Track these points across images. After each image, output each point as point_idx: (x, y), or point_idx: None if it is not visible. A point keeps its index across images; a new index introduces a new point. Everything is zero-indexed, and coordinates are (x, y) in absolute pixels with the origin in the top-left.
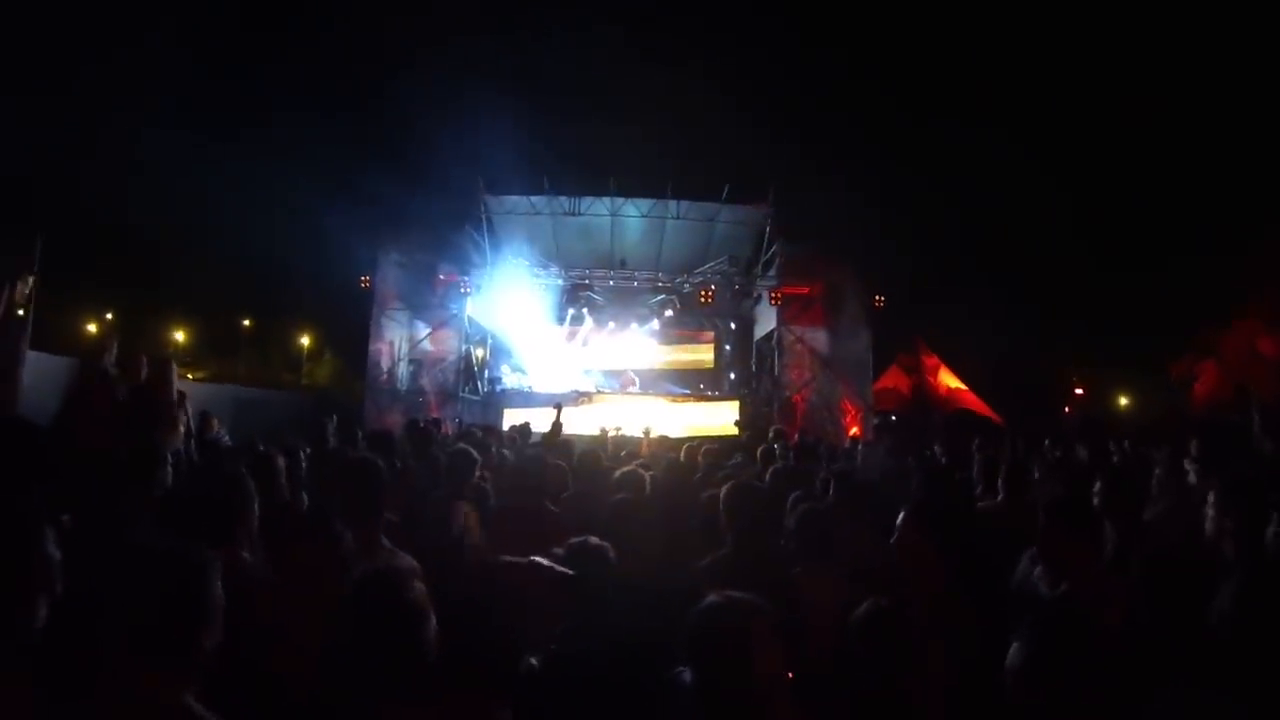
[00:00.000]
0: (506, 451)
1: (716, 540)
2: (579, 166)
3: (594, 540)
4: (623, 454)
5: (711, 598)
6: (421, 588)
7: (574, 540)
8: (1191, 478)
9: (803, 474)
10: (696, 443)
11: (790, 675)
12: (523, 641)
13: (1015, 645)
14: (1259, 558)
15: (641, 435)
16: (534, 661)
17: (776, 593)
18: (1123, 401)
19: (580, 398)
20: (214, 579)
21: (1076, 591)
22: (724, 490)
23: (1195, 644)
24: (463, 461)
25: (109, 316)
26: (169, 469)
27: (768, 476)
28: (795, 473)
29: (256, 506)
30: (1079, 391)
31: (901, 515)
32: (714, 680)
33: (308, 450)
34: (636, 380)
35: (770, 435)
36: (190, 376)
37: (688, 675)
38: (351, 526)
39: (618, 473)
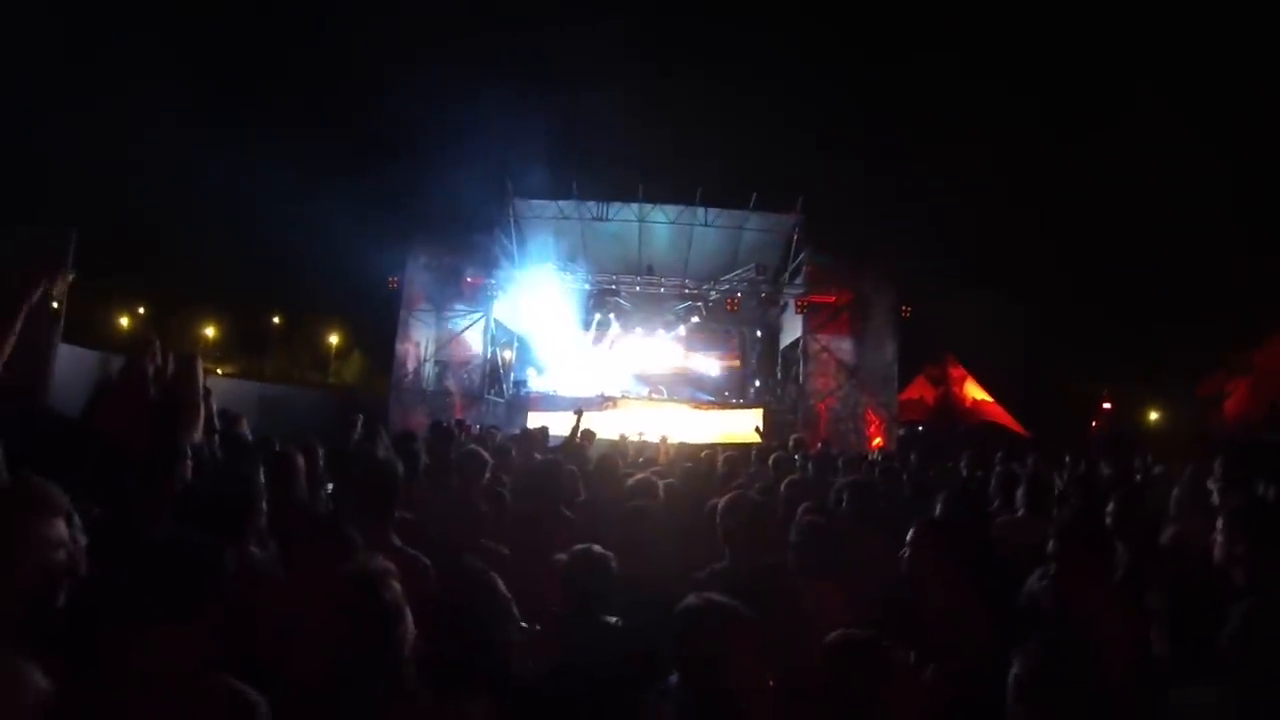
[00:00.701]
0: (539, 456)
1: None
2: (607, 172)
3: (597, 549)
4: (640, 460)
5: (691, 599)
6: (397, 588)
7: (577, 548)
8: (1215, 498)
9: (818, 485)
10: (715, 450)
11: (770, 683)
12: (511, 646)
13: (1014, 665)
14: (1269, 583)
15: (659, 442)
16: (534, 671)
17: (773, 606)
18: (1152, 416)
19: (605, 402)
20: (222, 558)
21: (1082, 613)
22: (720, 503)
23: (1205, 667)
24: (472, 462)
25: (141, 311)
26: (189, 464)
27: (783, 487)
28: (811, 483)
29: (264, 504)
30: (1107, 406)
31: (913, 529)
32: (693, 681)
33: (324, 449)
34: (664, 389)
35: (790, 444)
36: (219, 372)
37: (674, 679)
38: (363, 523)
39: (631, 480)
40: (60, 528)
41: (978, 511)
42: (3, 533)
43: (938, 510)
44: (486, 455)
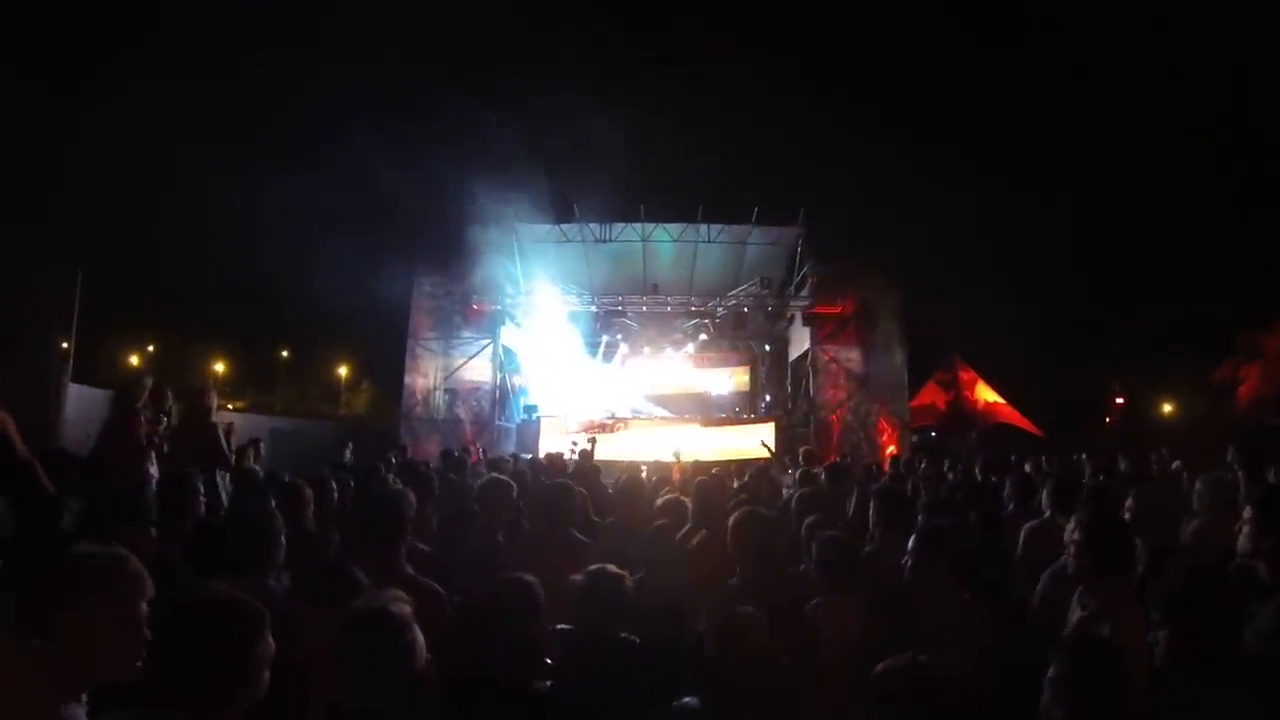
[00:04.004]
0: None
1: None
2: (609, 193)
3: (611, 568)
4: (654, 480)
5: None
6: (407, 609)
7: (592, 567)
8: (1241, 490)
9: (832, 498)
10: (728, 468)
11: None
12: (520, 664)
13: (1052, 666)
14: None
15: (673, 462)
16: (545, 685)
17: (788, 623)
18: (1166, 408)
19: (616, 423)
20: (263, 634)
21: (1104, 613)
22: (732, 520)
23: (1229, 666)
24: (497, 491)
25: (150, 349)
26: (201, 499)
27: (793, 501)
28: (823, 496)
29: (283, 539)
30: (1120, 400)
31: (912, 541)
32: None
33: (348, 481)
34: (675, 408)
35: (800, 457)
36: (230, 407)
37: (692, 703)
38: (375, 553)
39: (660, 501)
40: (145, 609)
41: (991, 515)
42: (113, 610)
43: (922, 519)
44: (512, 483)
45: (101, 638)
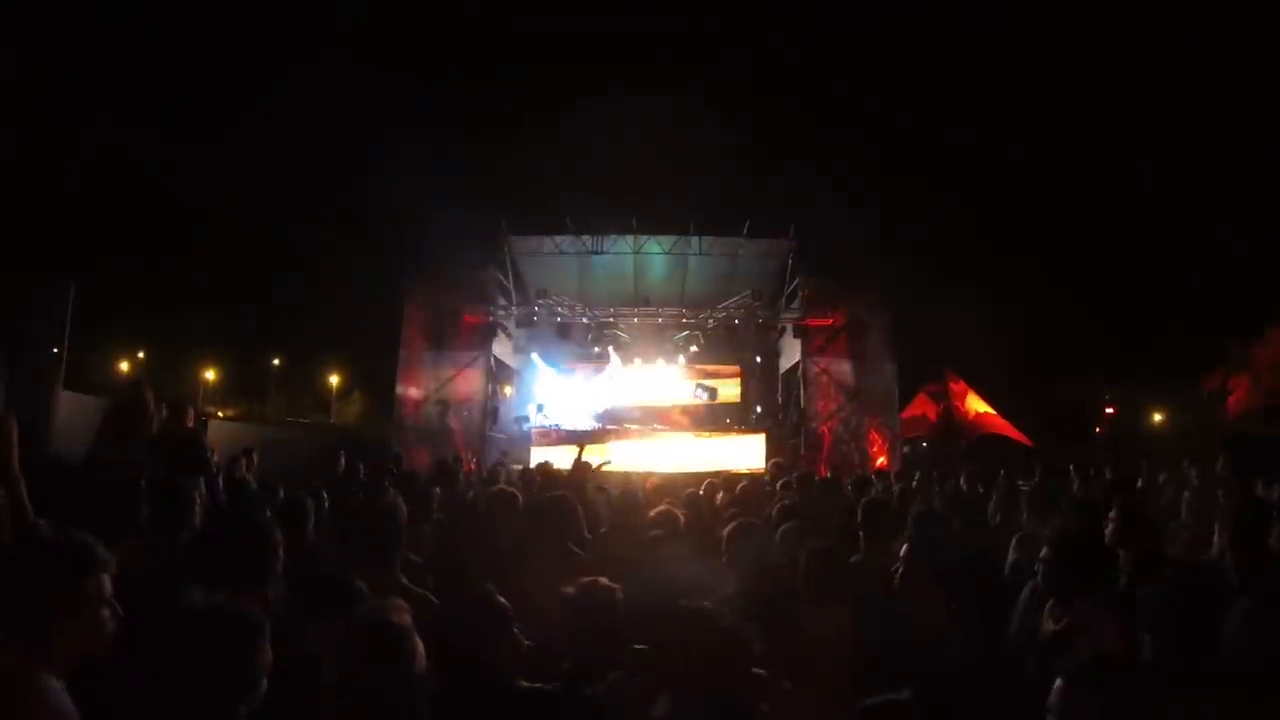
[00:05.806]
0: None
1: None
2: (601, 205)
3: (604, 581)
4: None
5: (687, 606)
6: (407, 619)
7: (584, 580)
8: (1221, 499)
9: (817, 505)
10: (718, 480)
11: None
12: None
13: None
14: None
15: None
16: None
17: (781, 632)
18: (1156, 418)
19: (607, 434)
20: (262, 643)
21: (1080, 628)
22: (726, 530)
23: (1206, 672)
24: (506, 502)
25: (140, 356)
26: (196, 511)
27: (773, 512)
28: (798, 507)
29: (282, 551)
30: (1110, 411)
31: (903, 550)
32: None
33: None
34: (666, 419)
35: (770, 469)
36: (220, 415)
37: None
38: (370, 565)
39: (653, 512)
40: (108, 584)
41: (976, 526)
42: (59, 588)
43: (910, 529)
44: (518, 494)
45: (78, 621)
